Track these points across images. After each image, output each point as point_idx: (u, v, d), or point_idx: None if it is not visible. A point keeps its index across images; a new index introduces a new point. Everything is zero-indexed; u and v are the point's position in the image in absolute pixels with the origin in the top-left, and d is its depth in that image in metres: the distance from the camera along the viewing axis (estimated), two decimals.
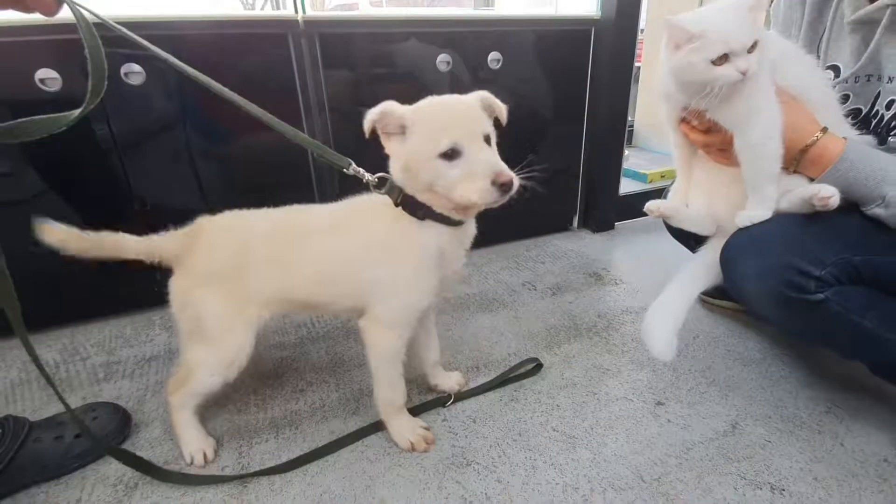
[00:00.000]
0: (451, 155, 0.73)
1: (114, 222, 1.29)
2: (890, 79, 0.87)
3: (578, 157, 1.86)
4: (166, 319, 1.35)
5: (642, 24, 2.29)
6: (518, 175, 0.74)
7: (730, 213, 0.92)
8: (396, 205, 0.81)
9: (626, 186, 2.03)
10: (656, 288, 0.99)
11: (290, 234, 0.88)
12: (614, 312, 1.38)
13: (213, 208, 0.92)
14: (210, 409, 1.02)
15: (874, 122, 0.91)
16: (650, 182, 2.23)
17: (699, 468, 0.88)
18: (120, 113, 1.22)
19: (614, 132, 1.82)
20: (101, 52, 0.65)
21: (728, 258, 0.91)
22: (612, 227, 1.97)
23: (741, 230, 0.90)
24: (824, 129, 0.83)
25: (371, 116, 0.75)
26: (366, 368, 0.92)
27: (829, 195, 0.80)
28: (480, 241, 0.92)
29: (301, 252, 0.87)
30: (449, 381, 1.08)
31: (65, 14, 0.67)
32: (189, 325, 0.88)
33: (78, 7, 0.65)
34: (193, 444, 0.92)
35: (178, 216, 0.91)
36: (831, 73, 0.96)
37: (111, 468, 0.90)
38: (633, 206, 1.78)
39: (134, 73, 1.19)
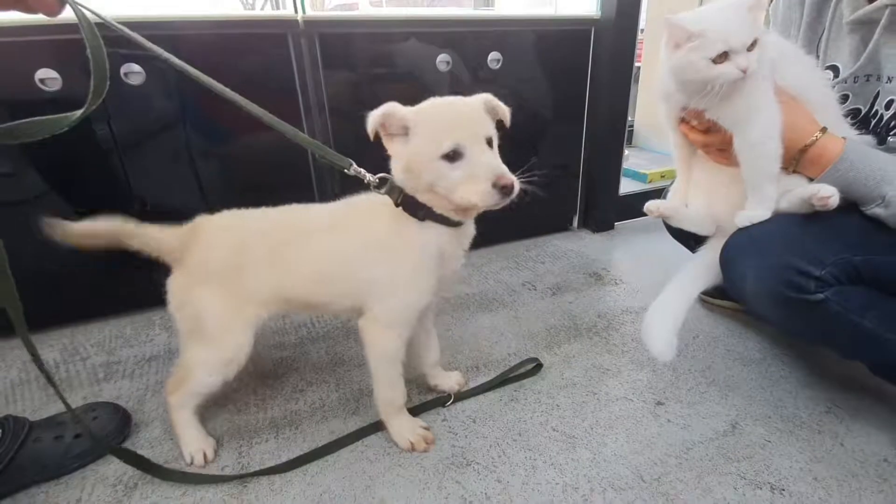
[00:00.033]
0: (452, 156, 0.74)
1: None
2: (889, 78, 0.87)
3: (578, 156, 1.86)
4: (166, 319, 1.34)
5: (642, 24, 2.29)
6: (518, 178, 0.74)
7: (729, 213, 0.92)
8: (397, 205, 0.82)
9: (626, 186, 2.03)
10: (656, 288, 0.99)
11: (289, 233, 0.88)
12: (614, 312, 1.38)
13: (214, 208, 0.92)
14: (210, 409, 1.02)
15: (873, 122, 0.91)
16: (650, 182, 2.23)
17: (699, 468, 0.88)
18: (120, 113, 1.22)
19: (614, 132, 1.82)
20: (104, 53, 0.65)
21: (728, 258, 0.91)
22: (611, 227, 1.97)
23: (741, 230, 0.90)
24: (823, 129, 0.83)
25: (375, 118, 0.75)
26: (366, 368, 0.91)
27: (828, 195, 0.80)
28: (480, 241, 0.92)
29: (300, 251, 0.87)
30: (449, 381, 1.08)
31: (65, 14, 0.67)
32: (187, 324, 0.88)
33: (80, 7, 0.65)
34: (193, 443, 0.92)
35: (179, 216, 0.91)
36: (830, 73, 0.96)
37: (111, 468, 0.90)
38: (633, 206, 1.77)
39: (134, 73, 1.20)
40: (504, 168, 0.75)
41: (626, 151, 2.17)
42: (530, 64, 1.63)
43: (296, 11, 1.35)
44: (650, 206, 1.00)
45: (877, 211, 0.81)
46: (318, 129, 1.44)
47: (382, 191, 0.83)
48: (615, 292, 1.50)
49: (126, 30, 0.73)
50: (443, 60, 1.49)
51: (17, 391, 1.11)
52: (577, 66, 1.71)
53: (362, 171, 0.86)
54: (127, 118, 1.24)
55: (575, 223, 1.98)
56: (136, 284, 1.29)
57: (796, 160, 0.85)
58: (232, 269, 0.86)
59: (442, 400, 1.04)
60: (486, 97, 0.80)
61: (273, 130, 0.83)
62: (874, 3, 0.86)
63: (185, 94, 1.27)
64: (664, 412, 1.02)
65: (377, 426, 0.97)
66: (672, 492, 0.84)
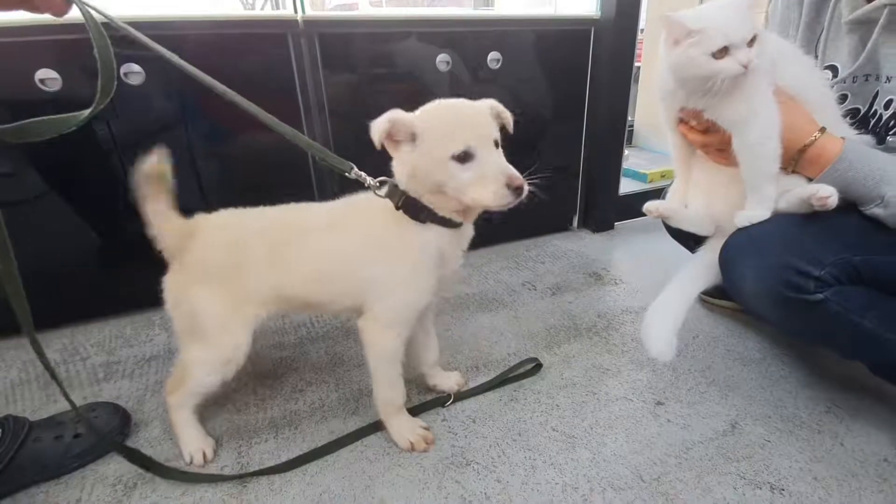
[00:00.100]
0: (463, 158, 0.74)
1: (114, 222, 1.31)
2: (888, 78, 0.87)
3: (578, 156, 1.86)
4: (166, 319, 1.32)
5: (642, 23, 2.28)
6: (525, 180, 0.75)
7: (728, 213, 0.92)
8: (397, 208, 0.82)
9: (626, 186, 2.03)
10: (656, 288, 0.99)
11: (288, 232, 0.88)
12: (614, 312, 1.38)
13: (213, 208, 0.92)
14: (209, 408, 1.02)
15: (872, 122, 0.91)
16: (650, 182, 2.23)
17: (699, 468, 0.88)
18: (120, 113, 1.22)
19: (614, 132, 1.82)
20: (111, 52, 0.65)
21: (727, 258, 0.91)
22: (611, 226, 1.97)
23: (740, 230, 0.90)
24: (822, 129, 0.83)
25: (381, 126, 0.74)
26: (365, 368, 0.92)
27: (827, 195, 0.80)
28: (480, 241, 0.92)
29: (299, 250, 0.87)
30: (448, 381, 1.08)
31: (68, 14, 0.67)
32: (182, 323, 0.88)
33: (86, 7, 0.65)
34: (193, 443, 0.92)
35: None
36: (829, 73, 0.96)
37: (110, 468, 0.90)
38: (633, 206, 1.76)
39: (134, 73, 1.20)
40: (514, 169, 0.75)
41: (626, 151, 2.17)
42: (530, 64, 1.63)
43: (296, 11, 1.35)
44: (649, 206, 1.00)
45: (876, 211, 0.81)
46: (317, 129, 1.44)
47: (383, 194, 0.83)
48: (615, 292, 1.50)
49: (132, 29, 0.74)
50: (443, 60, 1.49)
51: (17, 391, 1.11)
52: (576, 65, 1.71)
53: (363, 174, 0.86)
54: (127, 118, 1.24)
55: (575, 223, 1.98)
56: (136, 284, 1.28)
57: (795, 160, 0.85)
58: (230, 268, 0.86)
59: (441, 400, 1.04)
60: (492, 103, 0.81)
61: (273, 131, 0.84)
62: (873, 3, 0.86)
63: (185, 95, 1.27)
64: (664, 412, 1.02)
65: (377, 426, 0.97)
66: (672, 492, 0.84)
